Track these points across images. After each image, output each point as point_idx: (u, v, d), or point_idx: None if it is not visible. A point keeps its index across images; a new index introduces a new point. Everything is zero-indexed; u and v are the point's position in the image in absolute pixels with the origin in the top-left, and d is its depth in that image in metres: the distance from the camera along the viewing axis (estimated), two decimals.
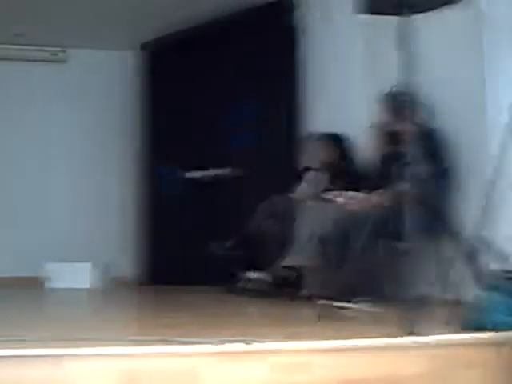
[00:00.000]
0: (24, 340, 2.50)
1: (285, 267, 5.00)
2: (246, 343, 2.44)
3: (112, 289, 6.83)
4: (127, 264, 7.58)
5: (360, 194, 4.53)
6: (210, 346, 2.41)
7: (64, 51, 7.86)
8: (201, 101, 7.09)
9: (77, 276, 6.78)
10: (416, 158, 3.06)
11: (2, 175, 7.55)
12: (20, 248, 7.37)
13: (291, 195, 5.39)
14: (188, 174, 7.11)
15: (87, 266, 6.93)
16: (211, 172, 6.91)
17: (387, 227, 3.53)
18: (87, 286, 6.76)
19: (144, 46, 7.73)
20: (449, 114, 4.44)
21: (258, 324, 3.72)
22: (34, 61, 7.76)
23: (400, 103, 3.84)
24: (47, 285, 6.82)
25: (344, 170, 5.19)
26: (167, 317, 4.08)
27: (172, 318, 3.90)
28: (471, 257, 3.35)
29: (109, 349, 2.39)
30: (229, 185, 6.73)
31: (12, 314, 4.29)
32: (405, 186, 3.08)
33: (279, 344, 2.55)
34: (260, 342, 2.48)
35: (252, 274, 5.40)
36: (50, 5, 6.63)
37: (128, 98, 7.88)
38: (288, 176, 5.72)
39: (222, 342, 2.43)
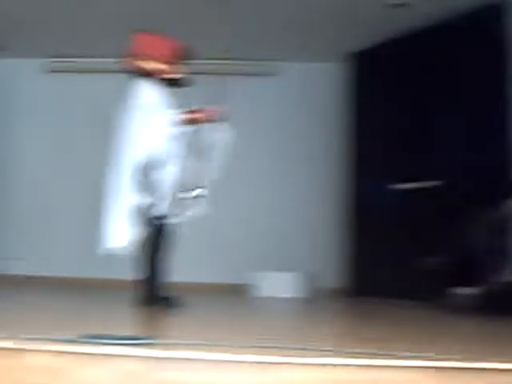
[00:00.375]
0: (230, 346, 2.56)
1: (502, 283, 4.79)
2: (468, 361, 2.37)
3: (318, 299, 6.87)
4: (333, 274, 7.60)
5: None
6: (429, 361, 2.36)
7: (274, 64, 8.07)
8: (406, 112, 7.00)
9: (283, 285, 6.89)
10: None
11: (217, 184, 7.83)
12: (228, 256, 7.63)
13: (508, 209, 5.16)
14: (393, 186, 7.03)
15: (294, 275, 7.01)
16: (418, 184, 6.77)
17: None
18: (293, 295, 6.84)
19: (349, 57, 7.76)
20: None
21: (470, 341, 3.58)
22: (246, 74, 8.04)
23: None
24: (253, 293, 6.97)
25: None
26: (374, 330, 4.04)
27: (380, 332, 3.86)
28: None
29: (317, 359, 2.40)
30: (435, 197, 6.56)
31: (220, 320, 4.42)
32: None
33: (495, 364, 2.44)
34: (474, 360, 2.40)
35: (463, 290, 5.22)
36: (259, 20, 6.87)
37: (334, 109, 7.94)
38: (501, 188, 5.49)
39: (442, 359, 2.37)
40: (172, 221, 4.73)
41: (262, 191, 7.98)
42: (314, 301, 6.69)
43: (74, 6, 6.69)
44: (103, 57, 7.84)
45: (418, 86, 6.93)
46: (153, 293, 4.63)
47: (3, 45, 7.76)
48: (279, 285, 6.90)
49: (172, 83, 4.93)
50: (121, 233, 4.66)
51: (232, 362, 2.36)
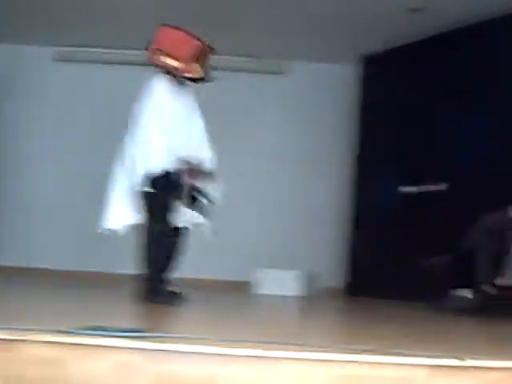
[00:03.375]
0: (245, 341, 2.57)
1: (497, 286, 4.80)
2: (460, 359, 2.38)
3: (319, 297, 6.88)
4: (335, 274, 7.61)
5: None
6: (423, 358, 2.37)
7: (284, 63, 8.07)
8: (419, 114, 7.00)
9: (285, 283, 6.89)
10: None
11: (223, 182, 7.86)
12: (231, 253, 7.63)
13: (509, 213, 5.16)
14: (403, 188, 7.02)
15: (296, 273, 7.02)
16: (426, 187, 6.77)
17: None
18: (294, 294, 6.85)
19: (362, 59, 7.76)
20: None
21: (470, 341, 3.59)
22: (255, 72, 8.04)
23: None
24: (255, 290, 6.98)
25: None
26: (375, 328, 4.05)
27: (380, 330, 3.86)
28: None
29: (321, 354, 2.40)
30: (443, 200, 6.56)
31: (221, 315, 4.44)
32: None
33: (494, 362, 2.45)
34: (474, 358, 2.41)
35: (461, 292, 5.23)
36: (272, 18, 6.86)
37: (345, 110, 7.94)
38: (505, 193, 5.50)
39: (435, 356, 2.38)
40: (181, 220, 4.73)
41: (268, 189, 7.98)
42: (315, 299, 6.70)
43: None
44: (118, 48, 7.86)
45: (431, 88, 6.92)
46: (157, 287, 4.63)
47: (17, 31, 7.76)
48: (281, 283, 6.91)
49: (191, 80, 4.92)
50: (121, 214, 4.67)
51: (232, 356, 2.37)
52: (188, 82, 4.92)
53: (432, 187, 6.70)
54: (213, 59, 4.89)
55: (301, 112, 8.07)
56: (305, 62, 8.03)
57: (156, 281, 4.63)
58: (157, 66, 4.82)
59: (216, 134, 4.97)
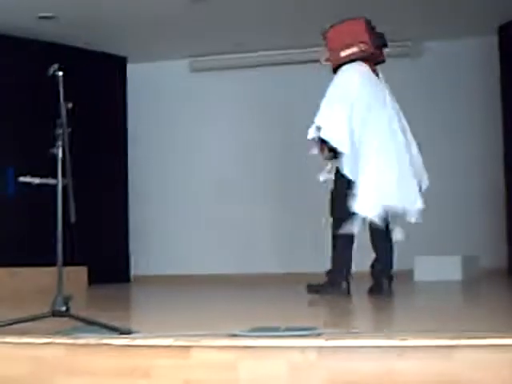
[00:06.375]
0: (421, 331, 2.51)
1: None
2: None
3: (481, 280, 6.69)
4: (495, 255, 7.36)
5: None
6: None
7: (419, 44, 7.87)
8: None
9: (446, 268, 6.72)
10: None
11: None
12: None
13: None
14: None
15: (458, 258, 6.83)
16: None
17: None
18: (458, 278, 6.67)
19: (501, 30, 7.41)
20: None
21: None
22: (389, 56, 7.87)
23: None
24: (417, 277, 6.84)
25: None
26: None
27: None
28: None
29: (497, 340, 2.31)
30: None
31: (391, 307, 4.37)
32: None
33: None
34: None
35: None
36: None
37: (486, 86, 7.64)
38: None
39: None
40: None
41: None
42: (476, 283, 6.52)
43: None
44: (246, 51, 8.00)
45: None
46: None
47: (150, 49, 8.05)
48: (443, 268, 6.74)
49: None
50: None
51: (410, 347, 2.32)
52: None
53: None
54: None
55: (439, 94, 7.81)
56: (440, 41, 7.78)
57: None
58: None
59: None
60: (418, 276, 6.84)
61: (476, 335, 2.35)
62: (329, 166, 4.85)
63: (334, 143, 4.68)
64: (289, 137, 7.83)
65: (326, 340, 2.38)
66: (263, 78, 8.21)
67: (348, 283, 4.71)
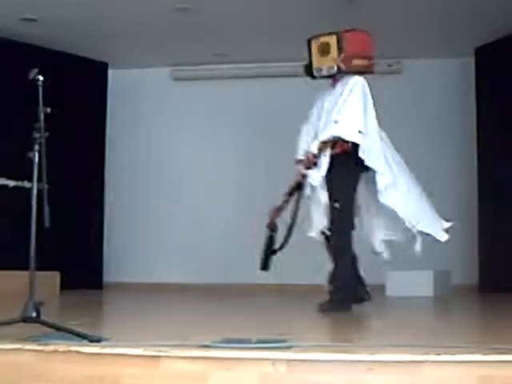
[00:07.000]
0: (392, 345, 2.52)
1: None
2: None
3: (454, 296, 6.73)
4: (465, 271, 7.42)
5: None
6: None
7: (399, 62, 7.94)
8: None
9: (419, 283, 6.74)
10: None
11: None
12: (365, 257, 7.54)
13: None
14: None
15: (429, 273, 6.85)
16: None
17: None
18: (430, 294, 6.70)
19: (478, 51, 7.51)
20: None
21: None
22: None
23: None
24: (389, 292, 6.86)
25: None
26: None
27: None
28: None
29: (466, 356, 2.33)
30: None
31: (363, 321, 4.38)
32: None
33: None
34: None
35: None
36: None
37: (462, 106, 7.73)
38: None
39: None
40: None
41: None
42: (451, 298, 6.55)
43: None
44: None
45: None
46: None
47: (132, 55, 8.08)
48: (414, 284, 6.76)
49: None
50: None
51: (380, 362, 2.33)
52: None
53: None
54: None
55: (417, 112, 7.88)
56: (420, 59, 7.86)
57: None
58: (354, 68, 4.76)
59: None
60: (390, 291, 6.86)
61: (445, 351, 2.37)
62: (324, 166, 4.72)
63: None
64: (270, 147, 7.89)
65: (296, 353, 2.39)
66: (244, 89, 8.24)
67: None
